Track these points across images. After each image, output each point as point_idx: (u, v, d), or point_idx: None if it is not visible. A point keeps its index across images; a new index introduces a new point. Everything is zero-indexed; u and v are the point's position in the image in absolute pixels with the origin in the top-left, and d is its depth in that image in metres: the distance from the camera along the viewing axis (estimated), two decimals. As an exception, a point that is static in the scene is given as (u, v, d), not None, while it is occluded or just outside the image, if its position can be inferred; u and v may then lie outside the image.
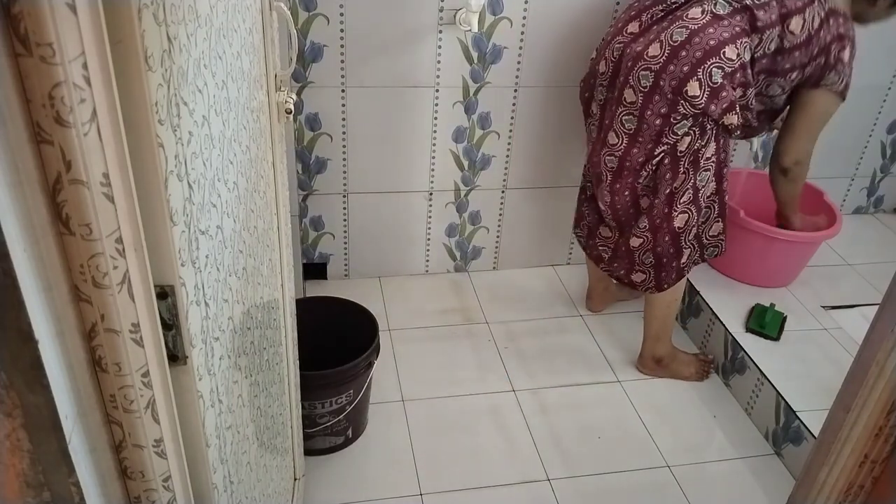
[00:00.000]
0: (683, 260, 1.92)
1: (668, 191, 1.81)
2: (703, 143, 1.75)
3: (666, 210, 1.83)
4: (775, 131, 2.41)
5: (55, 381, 0.50)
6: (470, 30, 2.01)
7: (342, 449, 1.85)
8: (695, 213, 1.84)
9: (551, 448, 1.89)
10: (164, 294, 0.64)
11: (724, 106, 1.70)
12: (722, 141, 1.79)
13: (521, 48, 2.15)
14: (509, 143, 2.32)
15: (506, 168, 2.37)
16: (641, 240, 1.90)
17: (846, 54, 1.78)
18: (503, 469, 1.82)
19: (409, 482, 1.78)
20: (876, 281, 2.42)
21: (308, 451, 1.76)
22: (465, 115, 2.24)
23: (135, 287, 0.55)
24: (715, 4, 1.70)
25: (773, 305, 2.18)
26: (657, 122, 1.73)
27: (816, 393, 1.87)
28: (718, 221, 1.91)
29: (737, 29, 1.68)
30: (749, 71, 1.72)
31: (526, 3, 2.07)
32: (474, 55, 2.13)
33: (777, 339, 2.09)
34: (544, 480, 1.80)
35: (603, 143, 1.85)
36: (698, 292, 2.26)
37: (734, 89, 1.70)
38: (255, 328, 1.07)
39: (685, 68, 1.66)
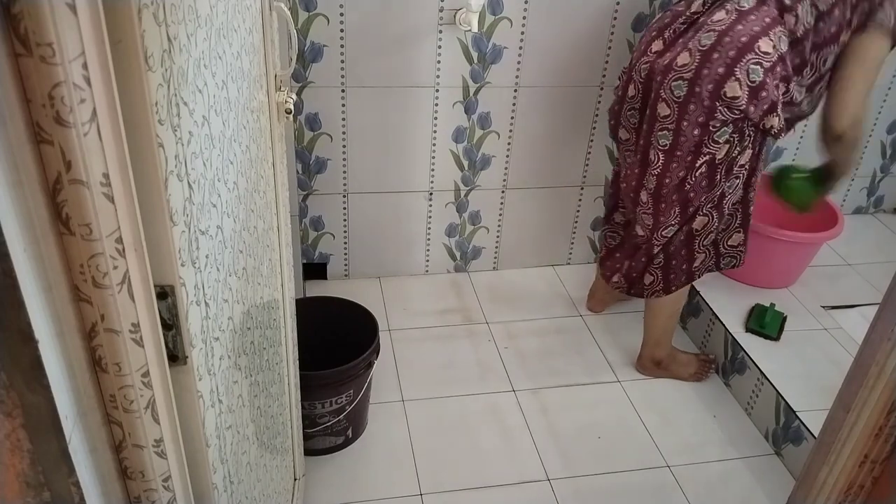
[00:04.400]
0: (696, 264, 1.87)
1: (703, 197, 1.74)
2: (740, 151, 1.69)
3: (690, 211, 1.78)
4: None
5: (55, 381, 0.50)
6: (470, 30, 2.01)
7: (342, 449, 1.85)
8: (715, 218, 1.79)
9: (551, 448, 1.89)
10: (164, 294, 0.64)
11: (764, 107, 1.61)
12: (757, 148, 1.71)
13: (521, 48, 2.14)
14: (509, 143, 2.32)
15: (506, 168, 2.37)
16: (660, 245, 1.85)
17: None
18: (503, 469, 1.82)
19: (409, 482, 1.78)
20: (876, 281, 2.42)
21: (308, 451, 1.76)
22: (465, 115, 2.24)
23: (135, 287, 0.55)
24: (739, 2, 1.63)
25: (773, 305, 2.18)
26: (695, 132, 1.65)
27: (816, 393, 1.87)
28: (739, 232, 1.86)
29: (767, 20, 1.60)
30: (788, 63, 1.62)
31: (526, 3, 2.07)
32: (474, 55, 2.13)
33: (777, 339, 2.09)
34: (544, 480, 1.80)
35: (643, 165, 1.77)
36: (698, 292, 2.26)
37: (776, 86, 1.61)
38: (255, 328, 1.07)
39: (720, 69, 1.59)
